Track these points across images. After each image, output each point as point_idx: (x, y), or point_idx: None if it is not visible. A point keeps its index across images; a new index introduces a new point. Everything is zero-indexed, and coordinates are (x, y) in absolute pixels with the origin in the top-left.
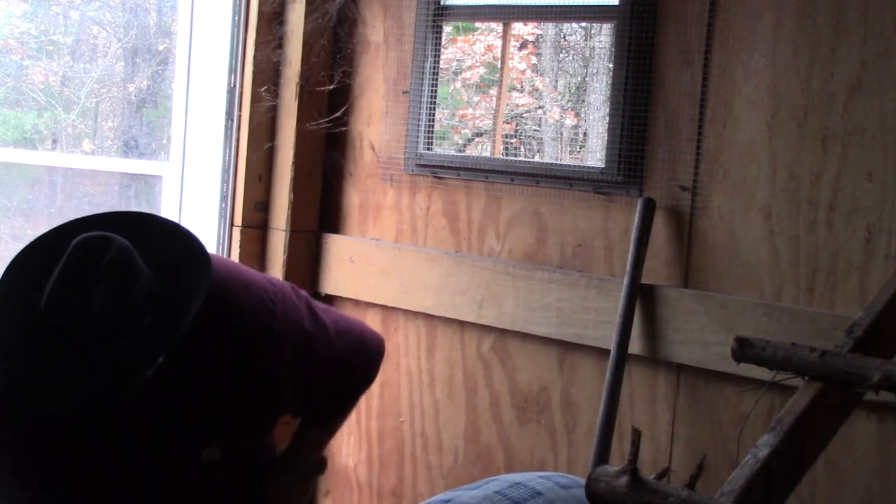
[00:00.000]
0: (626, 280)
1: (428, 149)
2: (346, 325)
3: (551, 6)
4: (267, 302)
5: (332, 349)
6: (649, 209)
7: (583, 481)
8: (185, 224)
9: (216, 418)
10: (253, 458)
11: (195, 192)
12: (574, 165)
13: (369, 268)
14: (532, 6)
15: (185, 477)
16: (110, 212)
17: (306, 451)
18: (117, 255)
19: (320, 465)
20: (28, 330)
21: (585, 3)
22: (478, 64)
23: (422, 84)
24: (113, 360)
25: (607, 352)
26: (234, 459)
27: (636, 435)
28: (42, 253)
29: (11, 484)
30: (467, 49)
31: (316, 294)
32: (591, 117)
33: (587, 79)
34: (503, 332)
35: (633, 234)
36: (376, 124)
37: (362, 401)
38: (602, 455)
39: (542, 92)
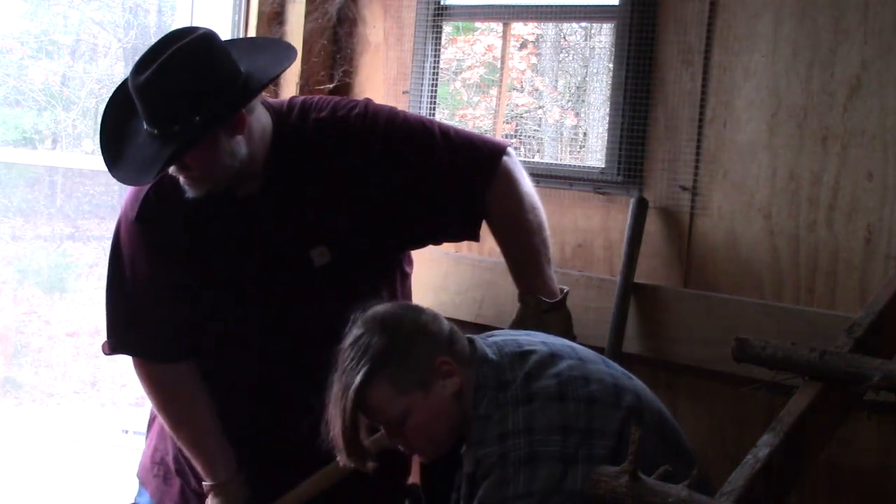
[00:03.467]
0: (619, 279)
1: None
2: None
3: (551, 6)
4: (362, 103)
5: (444, 142)
6: (642, 209)
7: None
8: None
9: (320, 217)
10: (377, 271)
11: None
12: (574, 165)
13: None
14: (532, 6)
15: (301, 280)
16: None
17: (527, 279)
18: (193, 42)
19: (551, 295)
20: (116, 101)
21: (585, 3)
22: (478, 64)
23: (422, 84)
24: (157, 138)
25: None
26: (348, 266)
27: (636, 435)
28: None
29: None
30: (467, 49)
31: None
32: (591, 117)
33: (587, 79)
34: None
35: (626, 234)
36: None
37: None
38: None
39: (542, 92)
